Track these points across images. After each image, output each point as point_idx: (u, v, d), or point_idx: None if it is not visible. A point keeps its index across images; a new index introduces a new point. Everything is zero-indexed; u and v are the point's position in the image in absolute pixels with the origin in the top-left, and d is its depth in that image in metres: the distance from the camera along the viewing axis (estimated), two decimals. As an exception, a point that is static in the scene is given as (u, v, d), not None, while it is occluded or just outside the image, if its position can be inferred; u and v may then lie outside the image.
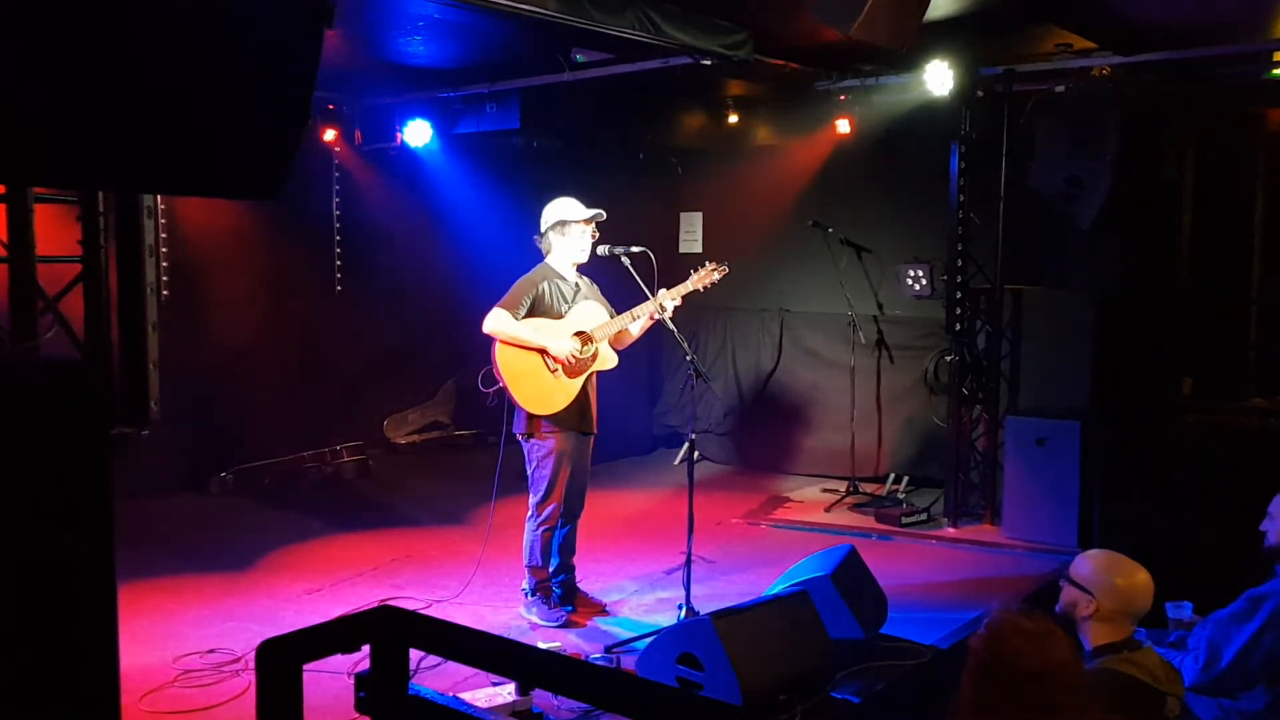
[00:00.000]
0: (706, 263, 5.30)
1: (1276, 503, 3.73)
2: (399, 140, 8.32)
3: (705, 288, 5.32)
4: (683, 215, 9.45)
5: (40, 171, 2.50)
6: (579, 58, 6.75)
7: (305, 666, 2.02)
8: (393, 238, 8.91)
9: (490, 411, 5.41)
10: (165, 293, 4.60)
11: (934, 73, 6.63)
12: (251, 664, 4.44)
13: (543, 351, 5.09)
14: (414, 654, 2.21)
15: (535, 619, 5.27)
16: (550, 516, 5.22)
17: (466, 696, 4.11)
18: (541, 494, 5.20)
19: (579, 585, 5.52)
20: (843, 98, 7.65)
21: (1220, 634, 3.52)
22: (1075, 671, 2.34)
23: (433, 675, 4.43)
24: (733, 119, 8.24)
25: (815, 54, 6.89)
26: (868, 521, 7.24)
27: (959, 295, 7.13)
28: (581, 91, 7.36)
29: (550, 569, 5.33)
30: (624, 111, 8.23)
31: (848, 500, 7.70)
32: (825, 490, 8.05)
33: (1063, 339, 7.20)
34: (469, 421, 9.32)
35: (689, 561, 5.18)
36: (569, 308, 5.22)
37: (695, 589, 5.24)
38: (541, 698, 4.18)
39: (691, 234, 9.39)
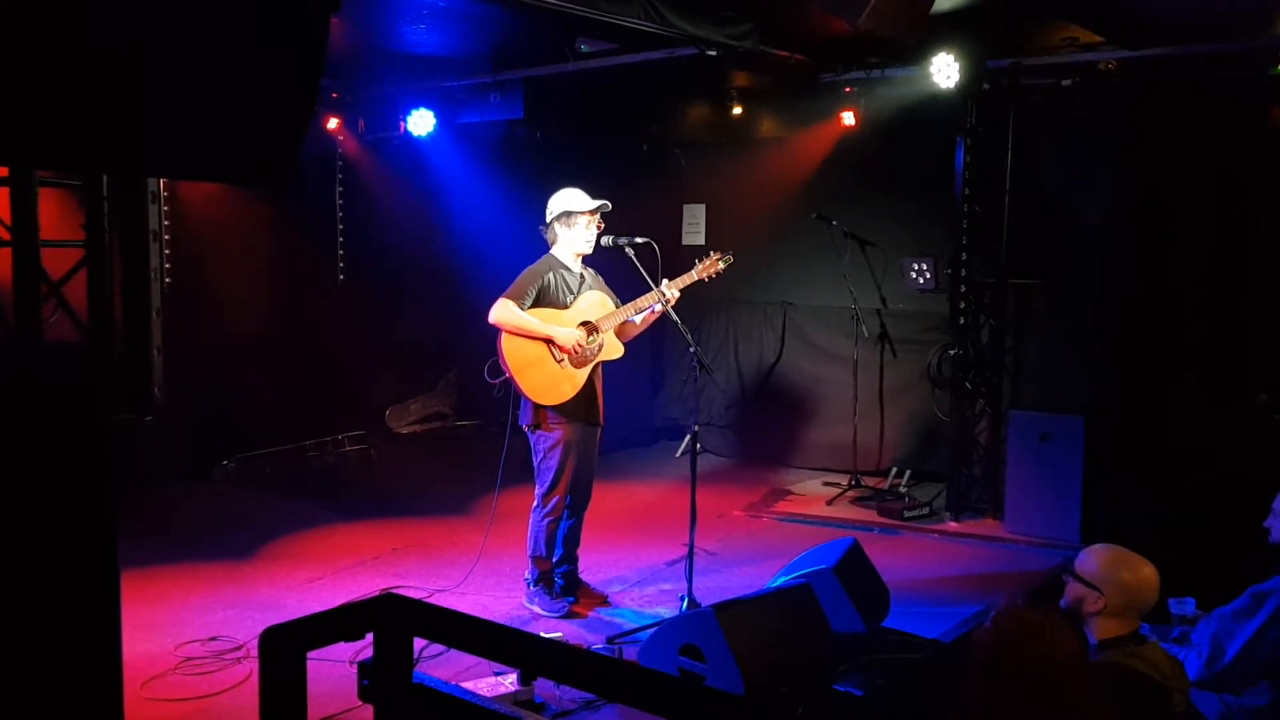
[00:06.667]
0: (711, 252, 5.30)
1: (1280, 499, 3.72)
2: (402, 129, 8.31)
3: (710, 277, 5.32)
4: (686, 207, 9.43)
5: (44, 155, 2.49)
6: (584, 48, 6.73)
7: (308, 654, 2.01)
8: (396, 227, 8.89)
9: (492, 402, 5.41)
10: (168, 279, 4.60)
11: (940, 65, 6.60)
12: (253, 651, 4.46)
13: (549, 341, 5.08)
14: (416, 642, 2.20)
15: (538, 609, 5.27)
16: (555, 508, 5.22)
17: (468, 685, 4.11)
18: (547, 485, 5.19)
19: (581, 576, 5.52)
20: (848, 90, 7.63)
21: (1224, 630, 3.52)
22: (1081, 665, 2.33)
23: (434, 664, 4.44)
24: (737, 111, 8.21)
25: (821, 46, 6.87)
26: (870, 515, 7.23)
27: (963, 289, 7.12)
28: (586, 82, 7.34)
29: (554, 560, 5.33)
30: (628, 102, 8.22)
31: (850, 494, 7.69)
32: (827, 484, 8.04)
33: (1066, 333, 7.16)
34: (471, 412, 9.33)
35: (691, 553, 5.18)
36: (574, 298, 5.20)
37: (697, 581, 5.24)
38: (543, 687, 4.19)
39: (695, 226, 9.38)
